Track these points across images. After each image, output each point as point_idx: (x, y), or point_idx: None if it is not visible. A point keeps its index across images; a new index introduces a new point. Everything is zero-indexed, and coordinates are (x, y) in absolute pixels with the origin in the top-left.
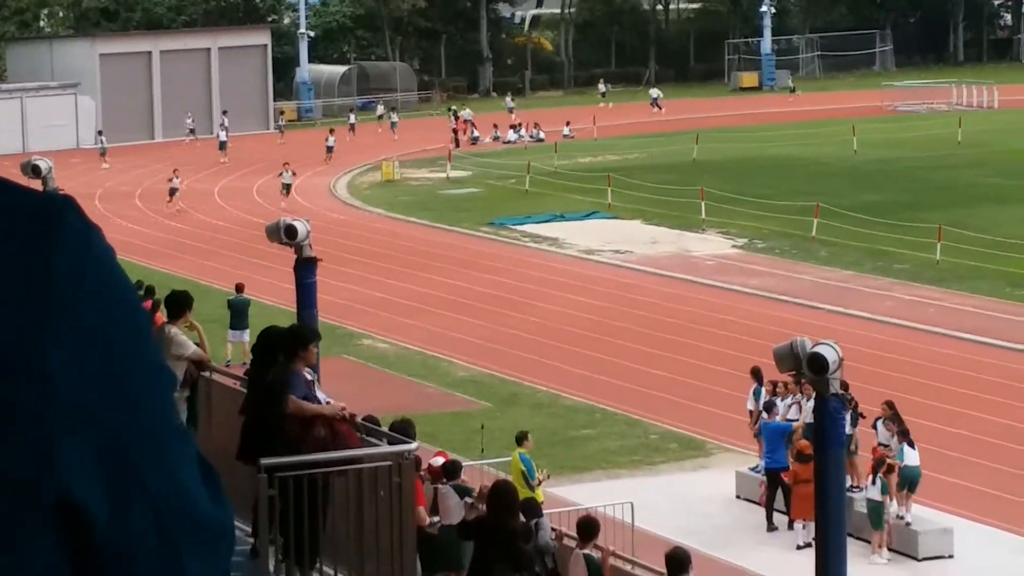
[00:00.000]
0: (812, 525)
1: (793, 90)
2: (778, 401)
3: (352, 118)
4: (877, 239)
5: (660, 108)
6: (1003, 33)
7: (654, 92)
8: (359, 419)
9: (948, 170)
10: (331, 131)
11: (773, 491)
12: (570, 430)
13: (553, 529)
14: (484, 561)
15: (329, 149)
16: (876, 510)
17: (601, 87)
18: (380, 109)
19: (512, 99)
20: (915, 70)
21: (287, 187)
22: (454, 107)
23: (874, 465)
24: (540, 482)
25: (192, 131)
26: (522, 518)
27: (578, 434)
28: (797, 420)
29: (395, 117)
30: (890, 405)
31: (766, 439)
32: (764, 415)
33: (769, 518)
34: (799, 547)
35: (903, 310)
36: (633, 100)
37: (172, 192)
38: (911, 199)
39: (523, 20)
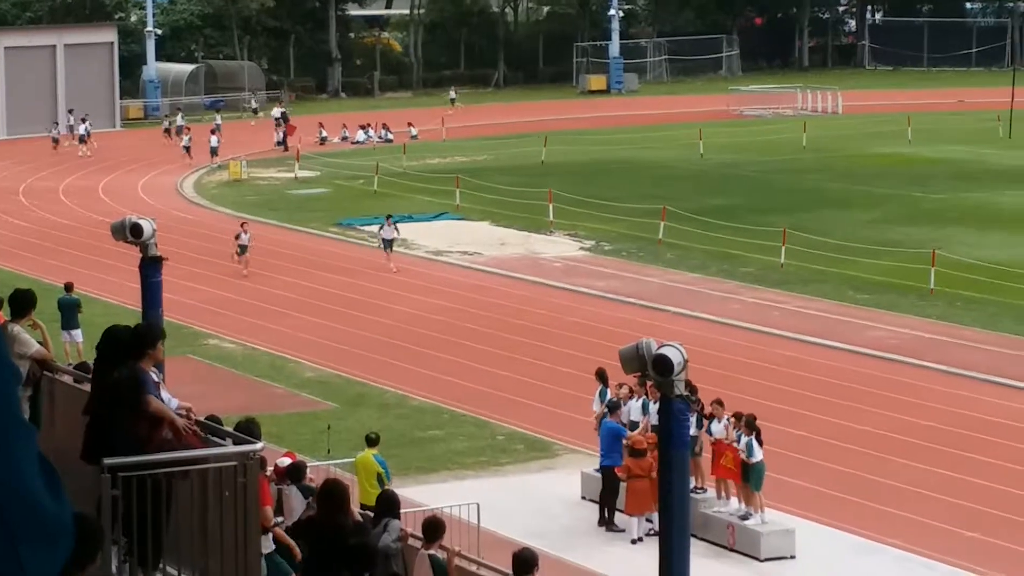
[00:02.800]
0: (644, 519)
1: (453, 101)
2: (631, 402)
3: (179, 119)
4: (723, 242)
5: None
6: (847, 39)
7: (276, 111)
8: (201, 419)
9: (793, 174)
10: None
11: (608, 488)
12: (417, 431)
13: (400, 530)
14: (316, 560)
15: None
16: (759, 470)
17: (452, 94)
18: (218, 119)
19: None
20: (761, 75)
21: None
22: (284, 109)
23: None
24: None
25: None
26: (358, 516)
27: (425, 435)
28: (640, 422)
29: (180, 120)
30: (720, 403)
31: (603, 438)
32: (607, 413)
33: (602, 514)
34: (633, 541)
35: (748, 313)
36: (482, 102)
37: (242, 250)
38: (756, 203)
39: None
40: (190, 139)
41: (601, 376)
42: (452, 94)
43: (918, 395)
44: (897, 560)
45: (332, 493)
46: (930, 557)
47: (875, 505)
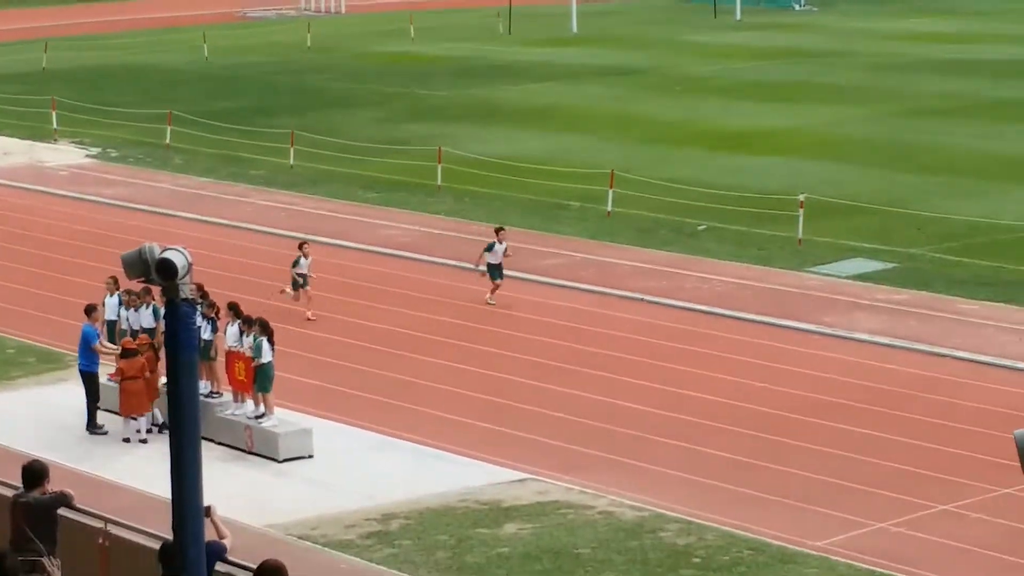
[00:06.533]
0: (143, 419)
1: None
2: (142, 309)
3: None
4: (232, 145)
5: None
6: None
7: None
8: None
9: (298, 75)
10: None
11: (89, 391)
12: None
13: None
14: None
15: None
16: (267, 372)
17: None
18: None
19: None
20: None
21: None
22: None
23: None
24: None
25: None
26: None
27: None
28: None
29: None
30: (231, 307)
31: (81, 342)
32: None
33: (90, 419)
34: (126, 440)
35: (260, 215)
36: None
37: (300, 281)
38: (264, 105)
39: None
40: None
41: (111, 284)
42: None
43: (429, 291)
44: (413, 454)
45: None
46: (445, 449)
47: (391, 401)
